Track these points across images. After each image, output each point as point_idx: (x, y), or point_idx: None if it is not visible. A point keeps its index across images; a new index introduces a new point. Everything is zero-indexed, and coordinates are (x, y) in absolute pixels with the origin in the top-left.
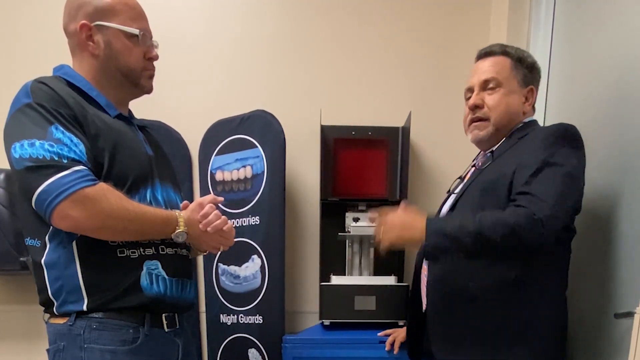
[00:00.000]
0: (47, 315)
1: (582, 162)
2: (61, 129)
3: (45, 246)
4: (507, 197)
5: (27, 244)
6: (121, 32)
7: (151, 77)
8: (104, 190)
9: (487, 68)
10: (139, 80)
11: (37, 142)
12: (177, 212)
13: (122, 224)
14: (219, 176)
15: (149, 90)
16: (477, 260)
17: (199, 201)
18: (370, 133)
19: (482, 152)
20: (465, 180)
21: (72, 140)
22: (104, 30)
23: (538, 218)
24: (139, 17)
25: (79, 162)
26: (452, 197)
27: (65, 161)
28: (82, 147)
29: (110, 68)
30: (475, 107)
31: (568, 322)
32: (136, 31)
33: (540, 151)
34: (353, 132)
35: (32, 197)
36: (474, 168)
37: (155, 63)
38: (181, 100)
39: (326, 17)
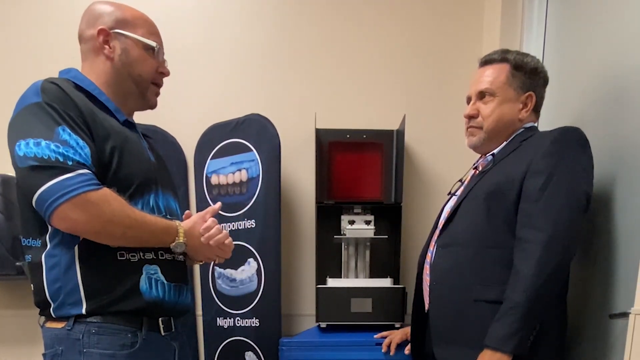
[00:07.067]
0: (43, 318)
1: (590, 162)
2: (68, 130)
3: (45, 247)
4: (516, 202)
5: (25, 244)
6: (139, 42)
7: (157, 94)
8: (107, 196)
9: (483, 78)
10: (146, 91)
11: (43, 142)
12: (177, 222)
13: (121, 230)
14: (214, 180)
15: (153, 104)
16: (480, 261)
17: (201, 214)
18: (365, 136)
19: (482, 155)
20: (466, 183)
21: (78, 143)
22: (121, 38)
23: (552, 246)
24: (156, 33)
25: (83, 166)
26: (454, 200)
27: (70, 163)
28: (87, 150)
29: (123, 74)
30: (470, 117)
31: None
32: (153, 44)
33: (550, 156)
34: (348, 136)
35: (33, 196)
36: (474, 171)
37: None
38: (176, 105)
39: (320, 21)
